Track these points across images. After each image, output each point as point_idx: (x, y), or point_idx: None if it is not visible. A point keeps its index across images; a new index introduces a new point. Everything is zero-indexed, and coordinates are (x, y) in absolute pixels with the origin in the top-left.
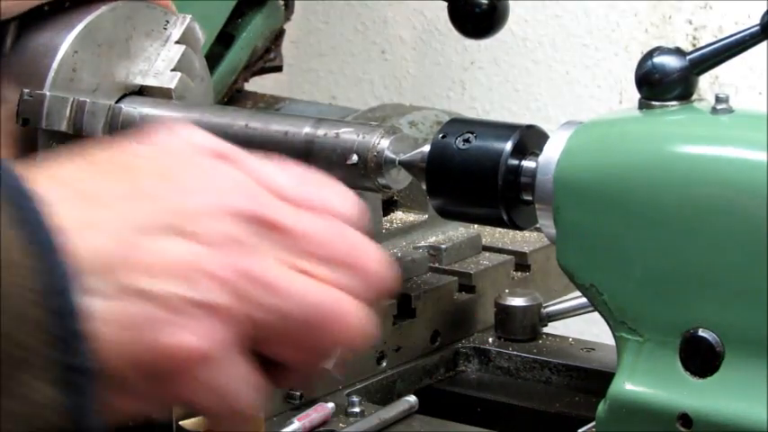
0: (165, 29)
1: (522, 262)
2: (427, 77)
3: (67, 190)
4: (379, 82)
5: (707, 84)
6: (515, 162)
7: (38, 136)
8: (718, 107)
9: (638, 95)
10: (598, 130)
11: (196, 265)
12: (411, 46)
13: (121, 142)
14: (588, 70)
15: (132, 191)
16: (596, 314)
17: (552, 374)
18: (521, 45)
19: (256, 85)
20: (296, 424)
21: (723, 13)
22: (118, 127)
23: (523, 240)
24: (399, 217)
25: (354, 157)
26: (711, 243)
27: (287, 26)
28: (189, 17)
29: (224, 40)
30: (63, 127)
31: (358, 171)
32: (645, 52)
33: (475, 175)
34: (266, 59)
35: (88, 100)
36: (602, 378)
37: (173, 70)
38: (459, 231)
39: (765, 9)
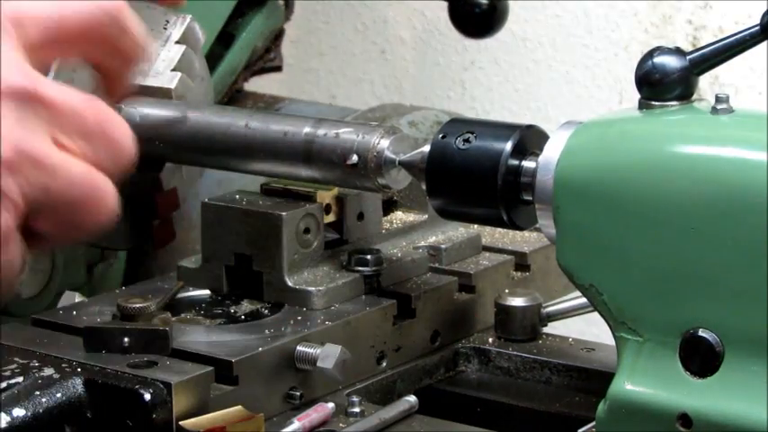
0: (165, 29)
1: (522, 262)
2: (427, 77)
3: None
4: (379, 82)
5: (707, 84)
6: (515, 162)
7: None
8: (719, 107)
9: (638, 95)
10: (598, 130)
11: None
12: (411, 46)
13: None
14: (588, 70)
15: None
16: (596, 314)
17: (552, 374)
18: (521, 45)
19: (256, 85)
20: (296, 424)
21: (723, 13)
22: None
23: (523, 240)
24: (399, 217)
25: (354, 157)
26: (711, 243)
27: (287, 26)
28: (189, 17)
29: (224, 40)
30: None
31: (358, 171)
32: (645, 52)
33: (475, 176)
34: (266, 59)
35: None
36: (602, 378)
37: (173, 70)
38: (459, 231)
39: (765, 9)
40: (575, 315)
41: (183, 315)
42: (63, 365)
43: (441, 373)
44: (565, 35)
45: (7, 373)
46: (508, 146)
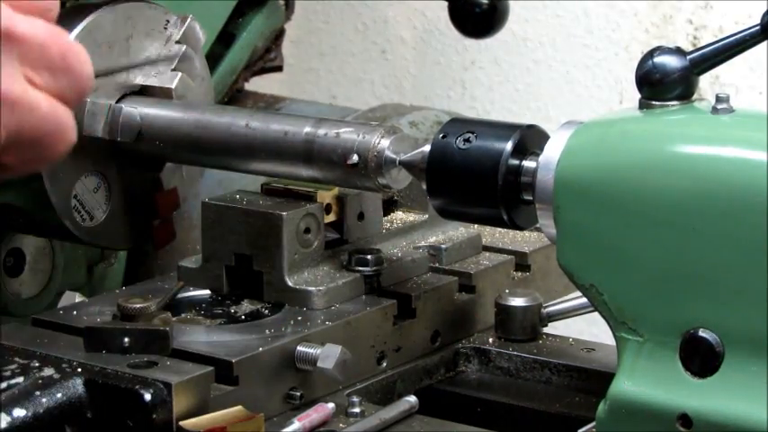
0: (166, 29)
1: (522, 262)
2: (427, 77)
3: None
4: (380, 82)
5: (707, 84)
6: (516, 162)
7: None
8: (719, 107)
9: (638, 95)
10: (598, 130)
11: None
12: (411, 46)
13: None
14: (588, 70)
15: None
16: (596, 314)
17: (552, 375)
18: (521, 45)
19: (257, 84)
20: (296, 424)
21: (723, 13)
22: (118, 127)
23: (523, 240)
24: (399, 217)
25: (355, 157)
26: (711, 243)
27: (287, 26)
28: (189, 17)
29: (224, 40)
30: None
31: (358, 171)
32: (645, 52)
33: (475, 175)
34: (266, 59)
35: (88, 100)
36: (602, 378)
37: (173, 70)
38: (459, 231)
39: (765, 9)
40: (575, 315)
41: (183, 315)
42: (63, 365)
43: (441, 374)
44: (565, 35)
45: (7, 374)
46: (509, 146)
